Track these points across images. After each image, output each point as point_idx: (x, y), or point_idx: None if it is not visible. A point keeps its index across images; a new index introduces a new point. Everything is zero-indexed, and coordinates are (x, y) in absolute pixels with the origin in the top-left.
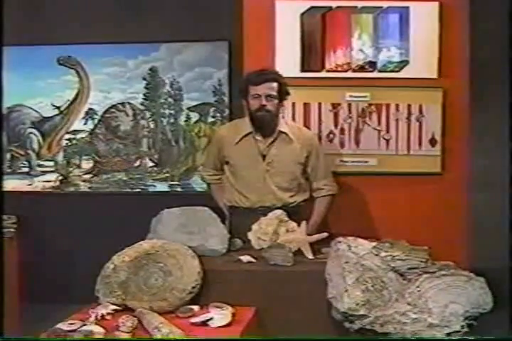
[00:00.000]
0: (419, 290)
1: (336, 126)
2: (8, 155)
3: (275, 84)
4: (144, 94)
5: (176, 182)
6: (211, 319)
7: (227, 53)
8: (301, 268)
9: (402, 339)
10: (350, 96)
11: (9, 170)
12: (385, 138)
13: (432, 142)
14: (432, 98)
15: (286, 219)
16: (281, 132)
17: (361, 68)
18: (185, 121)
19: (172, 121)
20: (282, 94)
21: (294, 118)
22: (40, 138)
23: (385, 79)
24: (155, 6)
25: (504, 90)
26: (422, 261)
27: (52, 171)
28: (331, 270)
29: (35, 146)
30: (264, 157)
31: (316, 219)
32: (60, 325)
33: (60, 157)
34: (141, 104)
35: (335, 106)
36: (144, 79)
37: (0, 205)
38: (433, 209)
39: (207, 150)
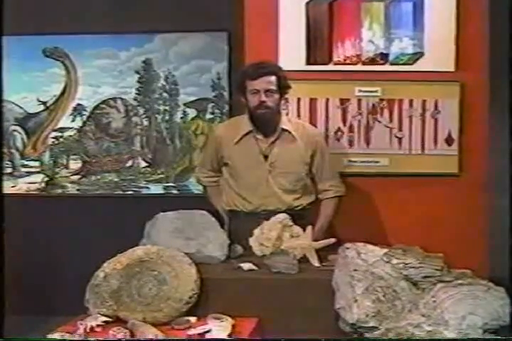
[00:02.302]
0: (434, 301)
1: (344, 123)
2: None
3: (274, 78)
4: (137, 89)
5: (172, 184)
6: (209, 331)
7: (227, 45)
8: (306, 277)
9: (401, 340)
10: (360, 91)
11: None
12: (397, 137)
13: (449, 141)
14: (448, 93)
15: (291, 223)
16: (283, 130)
17: (372, 61)
18: (182, 117)
19: (167, 117)
20: (282, 88)
21: (299, 115)
22: (25, 136)
23: (398, 72)
24: None
25: None
26: (436, 269)
27: (37, 172)
28: (339, 278)
29: (19, 145)
30: (266, 157)
31: (323, 224)
32: None
33: (46, 157)
34: (134, 99)
35: (343, 101)
36: (137, 72)
37: (0, 207)
38: (449, 213)
39: (203, 150)
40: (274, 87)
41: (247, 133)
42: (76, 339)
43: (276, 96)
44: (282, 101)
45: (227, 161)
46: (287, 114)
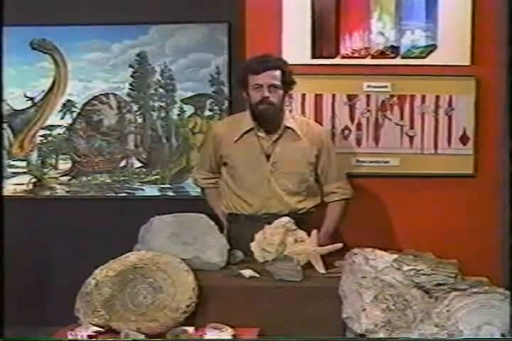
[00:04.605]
0: (448, 310)
1: (352, 120)
2: None
3: (278, 73)
4: (131, 84)
5: (168, 185)
6: None
7: (227, 37)
8: (311, 284)
9: (402, 339)
10: (369, 86)
11: None
12: (408, 135)
13: (463, 139)
14: (463, 88)
15: (295, 227)
16: (287, 128)
17: (381, 54)
18: (178, 114)
19: (163, 114)
20: (287, 83)
21: (303, 112)
22: (11, 135)
23: (409, 66)
24: None
25: None
26: (450, 277)
27: (24, 172)
28: (346, 286)
29: (5, 144)
30: (268, 156)
31: (329, 228)
32: None
33: (33, 156)
34: (128, 95)
35: (351, 97)
36: (131, 66)
37: (0, 209)
38: (464, 216)
39: (201, 149)
40: (278, 83)
41: (248, 131)
42: (77, 338)
43: (280, 92)
44: (286, 98)
45: (226, 161)
46: (291, 111)
